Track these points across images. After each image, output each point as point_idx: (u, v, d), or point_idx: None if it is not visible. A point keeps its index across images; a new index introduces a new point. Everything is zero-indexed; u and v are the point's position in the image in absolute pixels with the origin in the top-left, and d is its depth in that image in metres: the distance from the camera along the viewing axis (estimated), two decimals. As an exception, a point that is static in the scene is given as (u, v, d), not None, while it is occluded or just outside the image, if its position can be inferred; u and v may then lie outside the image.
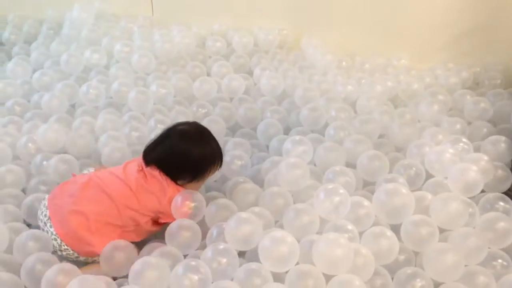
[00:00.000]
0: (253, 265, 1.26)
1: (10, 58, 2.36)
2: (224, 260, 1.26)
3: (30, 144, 1.75)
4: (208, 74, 2.26)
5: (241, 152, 1.74)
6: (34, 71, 2.19)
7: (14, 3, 2.74)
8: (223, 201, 1.48)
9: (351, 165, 1.67)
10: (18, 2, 2.74)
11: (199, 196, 1.46)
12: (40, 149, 1.75)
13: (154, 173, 1.46)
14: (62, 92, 2.02)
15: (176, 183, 1.47)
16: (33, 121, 1.90)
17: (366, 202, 1.42)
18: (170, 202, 1.44)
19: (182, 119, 1.92)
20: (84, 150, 1.77)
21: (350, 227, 1.36)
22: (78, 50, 2.25)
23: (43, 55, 2.32)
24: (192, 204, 1.43)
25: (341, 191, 1.40)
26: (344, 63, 2.39)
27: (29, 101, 2.06)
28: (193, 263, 1.24)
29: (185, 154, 1.46)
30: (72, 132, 1.84)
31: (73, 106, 2.06)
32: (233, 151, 1.74)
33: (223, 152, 1.54)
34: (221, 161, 1.53)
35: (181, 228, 1.38)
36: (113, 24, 2.48)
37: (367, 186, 1.64)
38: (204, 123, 1.91)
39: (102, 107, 2.03)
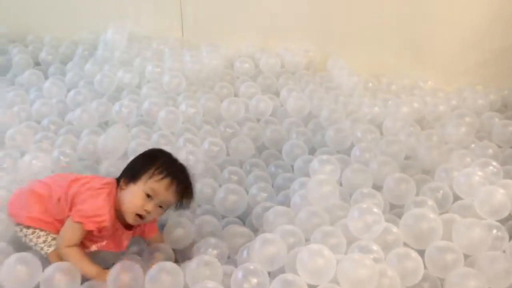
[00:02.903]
0: (289, 276, 1.28)
1: (46, 77, 2.45)
2: (255, 280, 1.27)
3: (61, 157, 1.81)
4: (236, 95, 2.31)
5: (265, 184, 1.77)
6: (69, 90, 2.28)
7: (51, 25, 2.86)
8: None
9: (376, 187, 1.68)
10: (55, 24, 2.86)
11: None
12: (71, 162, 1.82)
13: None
14: (96, 110, 2.09)
15: (119, 185, 1.44)
16: (66, 135, 1.97)
17: (394, 229, 1.43)
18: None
19: (210, 138, 1.97)
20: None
21: (375, 247, 1.36)
22: (111, 71, 2.33)
23: (78, 75, 2.41)
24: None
25: (375, 210, 1.41)
26: (370, 84, 2.41)
27: (63, 120, 2.14)
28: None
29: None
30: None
31: (106, 123, 2.13)
32: (257, 184, 1.76)
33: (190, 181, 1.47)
34: (163, 170, 1.41)
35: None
36: (145, 45, 2.56)
37: (394, 209, 1.64)
38: (232, 143, 1.96)
39: (133, 125, 2.09)
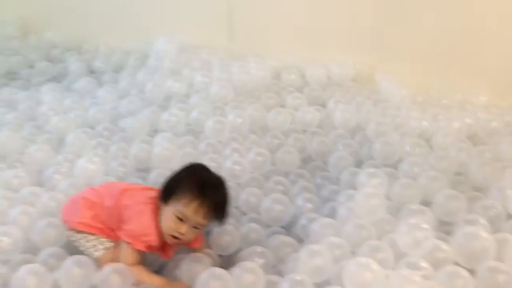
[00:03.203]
0: None
1: (100, 85, 2.56)
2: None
3: (120, 168, 1.89)
4: (282, 106, 2.32)
5: (311, 195, 1.77)
6: (121, 98, 2.36)
7: (105, 35, 2.98)
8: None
9: (425, 202, 1.64)
10: (109, 34, 2.98)
11: None
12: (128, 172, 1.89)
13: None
14: (146, 118, 2.16)
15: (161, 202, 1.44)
16: (119, 143, 2.04)
17: (444, 246, 1.40)
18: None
19: (256, 148, 1.99)
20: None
21: (424, 264, 1.33)
22: (161, 80, 2.40)
23: (130, 84, 2.50)
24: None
25: (425, 226, 1.39)
26: (419, 98, 2.36)
27: (116, 126, 2.22)
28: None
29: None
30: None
31: (155, 131, 2.19)
32: (303, 195, 1.76)
33: (226, 204, 1.44)
34: (190, 192, 1.38)
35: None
36: (193, 55, 2.62)
37: (443, 226, 1.59)
38: (278, 154, 1.97)
39: (180, 134, 2.14)
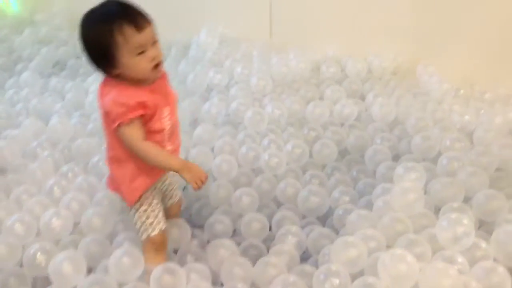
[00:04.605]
0: (370, 279, 1.29)
1: (143, 76, 2.63)
2: (337, 281, 1.30)
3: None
4: (321, 98, 2.33)
5: (347, 188, 1.79)
6: (163, 88, 2.43)
7: (148, 27, 3.06)
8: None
9: (464, 198, 1.63)
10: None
11: None
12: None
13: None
14: (187, 107, 2.22)
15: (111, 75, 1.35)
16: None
17: (483, 244, 1.39)
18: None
19: (293, 140, 2.01)
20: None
21: (460, 259, 1.33)
22: (203, 71, 2.45)
23: (172, 74, 2.54)
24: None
25: (466, 222, 1.38)
26: (462, 91, 2.32)
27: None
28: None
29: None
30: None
31: (195, 120, 2.24)
32: (339, 188, 1.78)
33: None
34: (119, 31, 1.28)
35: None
36: (234, 47, 2.66)
37: (483, 225, 1.58)
38: (316, 146, 1.98)
39: (220, 124, 2.19)
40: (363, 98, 2.32)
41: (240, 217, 1.70)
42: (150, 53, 1.31)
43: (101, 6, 1.35)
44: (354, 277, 1.35)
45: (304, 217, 1.74)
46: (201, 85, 2.39)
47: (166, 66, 2.61)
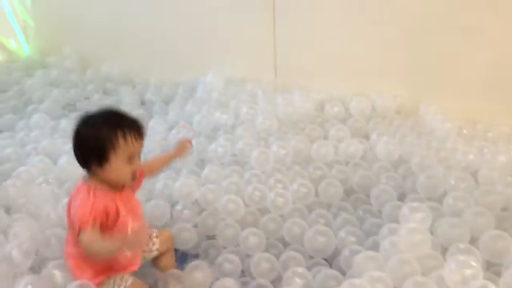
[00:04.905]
0: None
1: (151, 116, 2.68)
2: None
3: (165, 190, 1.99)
4: (326, 137, 2.35)
5: (354, 228, 1.79)
6: (171, 128, 2.47)
7: (156, 69, 3.14)
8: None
9: (470, 238, 1.63)
10: (159, 67, 3.13)
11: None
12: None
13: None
14: (194, 148, 2.24)
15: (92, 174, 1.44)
16: (168, 171, 2.12)
17: (492, 286, 1.38)
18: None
19: (299, 179, 2.03)
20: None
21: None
22: (209, 111, 2.50)
23: (179, 115, 2.61)
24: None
25: (474, 264, 1.38)
26: (465, 131, 2.34)
27: (165, 155, 2.32)
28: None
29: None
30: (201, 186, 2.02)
31: (202, 160, 2.27)
32: (346, 228, 1.78)
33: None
34: (115, 137, 1.39)
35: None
36: (240, 88, 2.71)
37: (490, 267, 1.57)
38: (321, 185, 2.00)
39: (226, 164, 2.21)
40: (367, 137, 2.35)
41: (248, 257, 1.71)
42: (136, 163, 1.44)
43: (102, 112, 1.46)
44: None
45: (311, 257, 1.74)
46: (207, 126, 2.43)
47: (174, 107, 2.70)
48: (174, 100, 2.81)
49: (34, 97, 2.96)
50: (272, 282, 1.62)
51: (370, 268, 1.48)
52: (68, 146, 2.32)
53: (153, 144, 2.33)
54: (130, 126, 1.43)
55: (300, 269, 1.58)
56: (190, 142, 1.77)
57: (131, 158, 1.42)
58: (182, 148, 1.76)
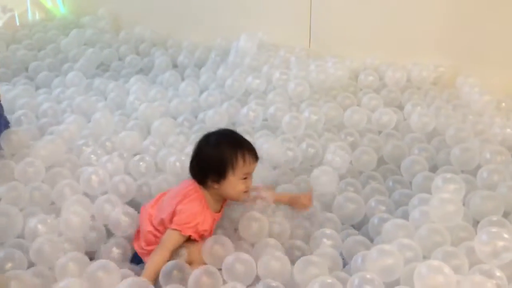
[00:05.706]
0: None
1: (182, 79, 2.69)
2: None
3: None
4: (358, 105, 2.32)
5: (384, 198, 1.78)
6: (202, 91, 2.48)
7: (188, 31, 3.13)
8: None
9: (504, 213, 1.60)
10: (192, 30, 3.12)
11: None
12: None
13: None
14: (226, 111, 2.26)
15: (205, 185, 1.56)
16: (198, 133, 2.13)
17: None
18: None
19: (330, 145, 2.01)
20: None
21: (498, 273, 1.30)
22: (241, 76, 2.48)
23: (210, 78, 2.61)
24: None
25: (506, 236, 1.36)
26: (503, 104, 2.27)
27: (196, 117, 2.33)
28: None
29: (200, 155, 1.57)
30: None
31: (233, 124, 2.27)
32: (375, 197, 1.77)
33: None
34: (237, 156, 1.52)
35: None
36: (273, 53, 2.68)
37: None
38: (355, 153, 1.98)
39: (258, 128, 2.21)
40: (401, 107, 2.30)
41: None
42: (249, 181, 1.56)
43: (223, 133, 1.62)
44: (388, 286, 1.34)
45: (340, 224, 1.74)
46: (239, 90, 2.43)
47: (206, 70, 2.70)
48: (206, 64, 2.80)
49: (69, 55, 3.00)
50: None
51: (399, 236, 1.47)
52: (102, 103, 2.38)
53: (183, 105, 2.34)
54: (249, 148, 1.55)
55: (329, 231, 1.58)
56: (311, 200, 1.70)
57: (246, 177, 1.54)
58: (302, 205, 1.70)
